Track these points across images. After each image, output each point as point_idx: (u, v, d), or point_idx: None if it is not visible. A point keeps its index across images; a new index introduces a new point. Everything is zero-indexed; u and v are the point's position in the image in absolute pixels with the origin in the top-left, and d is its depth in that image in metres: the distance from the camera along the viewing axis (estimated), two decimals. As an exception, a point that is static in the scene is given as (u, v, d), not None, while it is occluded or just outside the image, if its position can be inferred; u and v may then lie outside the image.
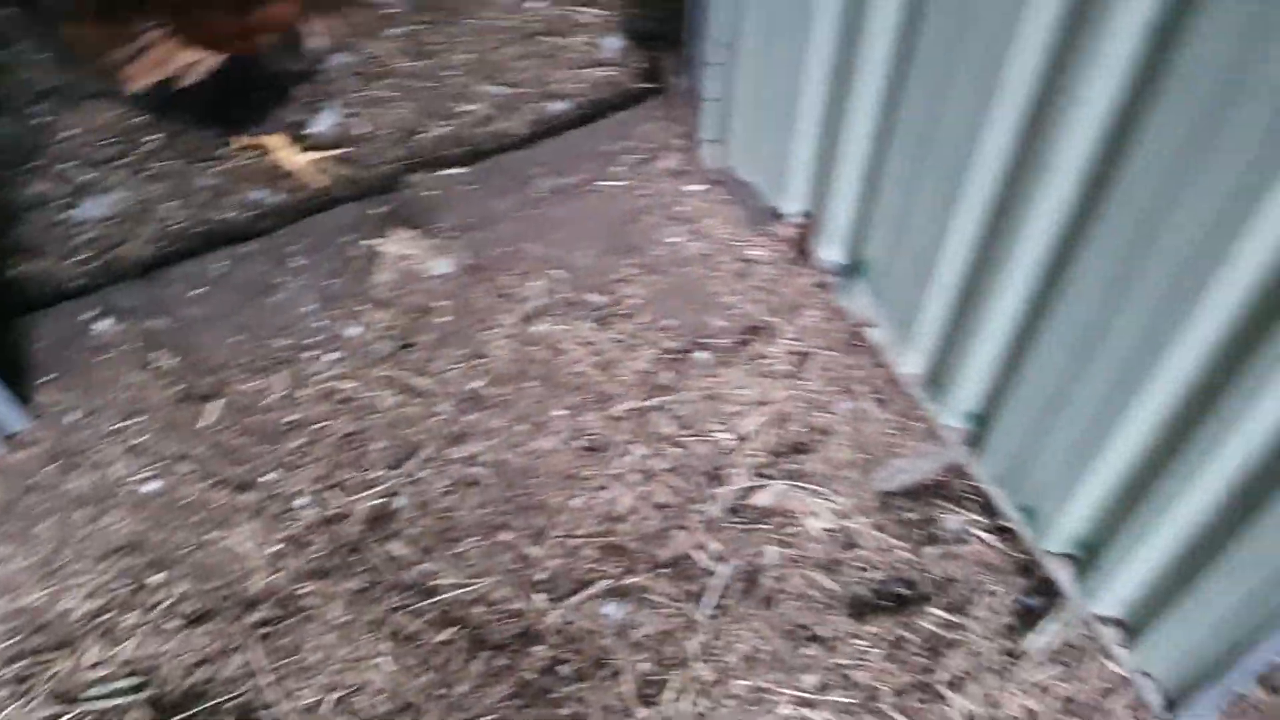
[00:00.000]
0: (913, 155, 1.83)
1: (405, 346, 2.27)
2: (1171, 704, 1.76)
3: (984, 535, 2.04)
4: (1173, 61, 1.27)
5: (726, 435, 2.16)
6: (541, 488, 2.08)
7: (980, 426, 1.99)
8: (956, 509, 2.08)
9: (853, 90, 1.93)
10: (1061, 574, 1.90)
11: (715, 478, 2.10)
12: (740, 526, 2.04)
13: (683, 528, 2.04)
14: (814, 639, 1.91)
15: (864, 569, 2.02)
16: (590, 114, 2.72)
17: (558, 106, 2.78)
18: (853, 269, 2.19)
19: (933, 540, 2.05)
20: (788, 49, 2.05)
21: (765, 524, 2.04)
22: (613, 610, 1.93)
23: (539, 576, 1.97)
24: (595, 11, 3.01)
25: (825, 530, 2.05)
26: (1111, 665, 1.87)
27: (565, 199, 2.51)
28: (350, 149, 2.69)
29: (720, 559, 2.00)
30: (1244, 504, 1.46)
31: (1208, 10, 1.20)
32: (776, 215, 2.38)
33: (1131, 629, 1.81)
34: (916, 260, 1.94)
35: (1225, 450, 1.42)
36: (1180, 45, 1.26)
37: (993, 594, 1.98)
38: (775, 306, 2.33)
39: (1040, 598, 1.97)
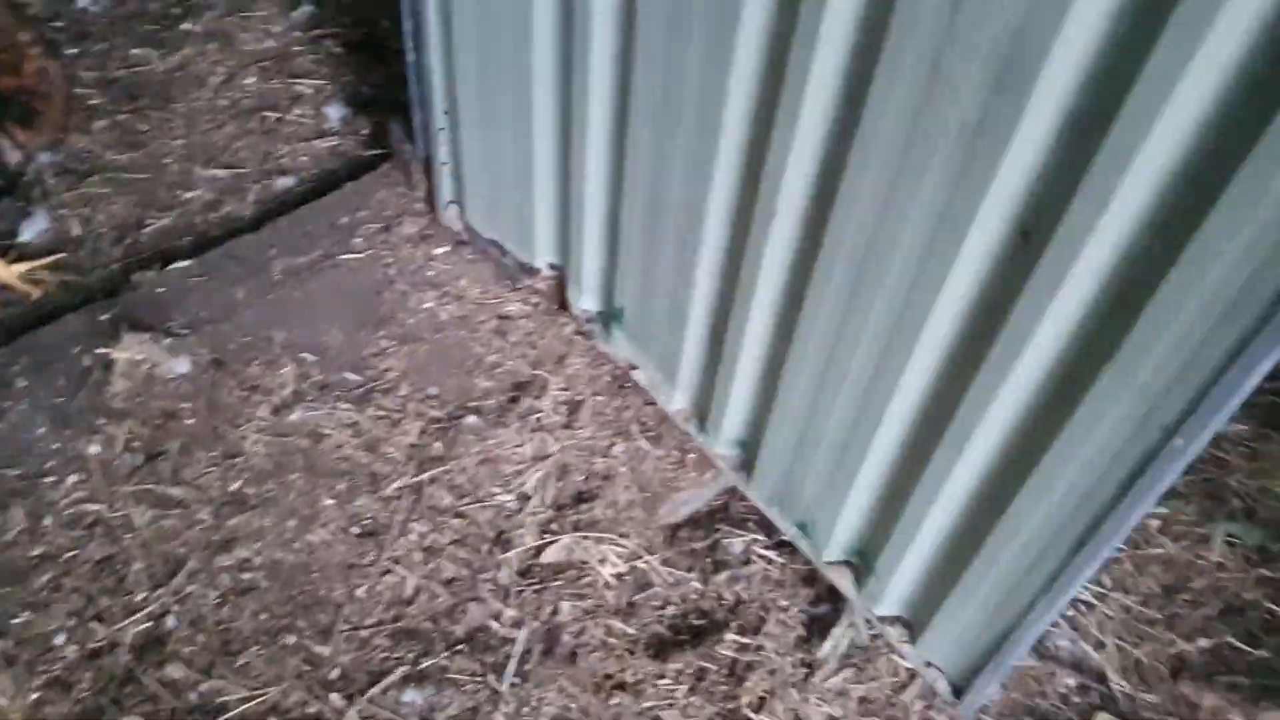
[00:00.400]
0: (647, 206, 1.88)
1: (153, 457, 2.13)
2: (958, 688, 1.87)
3: (767, 554, 2.11)
4: (863, 110, 1.36)
5: (508, 497, 2.14)
6: (321, 582, 2.00)
7: (749, 452, 2.06)
8: (739, 532, 2.14)
9: (580, 147, 1.96)
10: (842, 582, 1.98)
11: (502, 542, 2.08)
12: (533, 587, 2.02)
13: (475, 599, 2.00)
14: (620, 687, 1.92)
15: (659, 607, 2.04)
16: (321, 187, 2.63)
17: (285, 183, 2.68)
18: (609, 315, 2.22)
19: (720, 566, 2.10)
20: (510, 111, 2.06)
21: (558, 580, 2.04)
22: (413, 696, 1.87)
23: (332, 675, 1.89)
24: (311, 82, 2.92)
25: (617, 575, 2.06)
26: (900, 661, 1.97)
27: (306, 278, 2.42)
28: (66, 254, 2.50)
29: (517, 624, 1.98)
30: (988, 500, 1.57)
31: (891, 57, 1.29)
32: (528, 269, 2.38)
33: (912, 625, 1.91)
34: (666, 303, 1.99)
35: (965, 455, 1.52)
36: (868, 96, 1.34)
37: (783, 609, 2.05)
38: (539, 359, 2.33)
39: (827, 605, 2.05)
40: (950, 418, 1.50)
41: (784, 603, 2.06)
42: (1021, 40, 1.12)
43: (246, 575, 2.00)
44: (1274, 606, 2.17)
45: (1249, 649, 2.11)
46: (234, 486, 2.10)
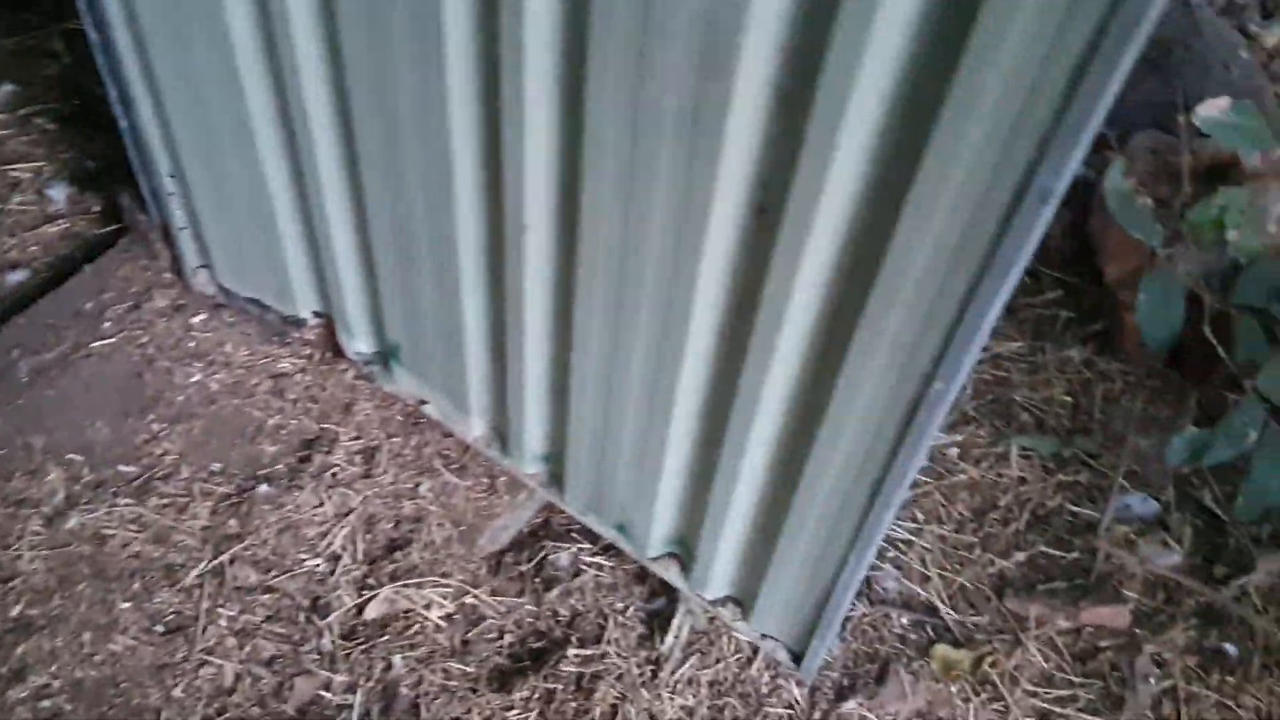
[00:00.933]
0: (396, 240, 1.82)
1: (-84, 601, 1.95)
2: (796, 653, 1.89)
3: (595, 560, 2.10)
4: (584, 112, 1.34)
5: (317, 561, 2.04)
6: (132, 691, 1.87)
7: (556, 465, 2.03)
8: (563, 545, 2.11)
9: (315, 192, 1.88)
10: (669, 574, 1.98)
11: (319, 609, 1.98)
12: (361, 648, 1.94)
13: (301, 673, 1.91)
14: (469, 729, 1.87)
15: (495, 638, 2.00)
16: (58, 275, 2.42)
17: (17, 278, 2.45)
18: (386, 354, 2.15)
19: (551, 583, 2.07)
20: (238, 165, 1.96)
21: (385, 635, 1.96)
22: (253, 791, 1.78)
23: (161, 788, 1.78)
24: (27, 165, 2.68)
25: (446, 616, 2.01)
26: (740, 638, 1.98)
27: (57, 375, 2.24)
28: None
29: (350, 689, 1.90)
30: (783, 469, 1.59)
31: (598, 55, 1.27)
32: (293, 322, 2.28)
33: (743, 601, 1.92)
34: (439, 332, 1.93)
35: (754, 432, 1.53)
36: (585, 97, 1.32)
37: (620, 612, 2.04)
38: (324, 412, 2.23)
39: (663, 599, 2.04)
40: (732, 399, 1.51)
41: (620, 605, 2.05)
42: (715, 23, 1.12)
43: (46, 703, 1.84)
44: (1076, 509, 2.29)
45: (1061, 554, 2.22)
46: (15, 611, 1.93)
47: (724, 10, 1.10)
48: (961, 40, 0.98)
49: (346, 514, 2.10)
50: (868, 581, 2.15)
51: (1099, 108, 0.94)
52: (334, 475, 2.14)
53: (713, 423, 1.60)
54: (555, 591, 2.06)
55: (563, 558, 2.10)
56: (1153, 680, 2.05)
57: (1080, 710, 2.00)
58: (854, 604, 2.08)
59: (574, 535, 2.13)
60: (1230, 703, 2.04)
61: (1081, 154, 0.98)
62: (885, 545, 2.20)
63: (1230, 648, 2.11)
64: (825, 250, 1.24)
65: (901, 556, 2.19)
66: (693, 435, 1.67)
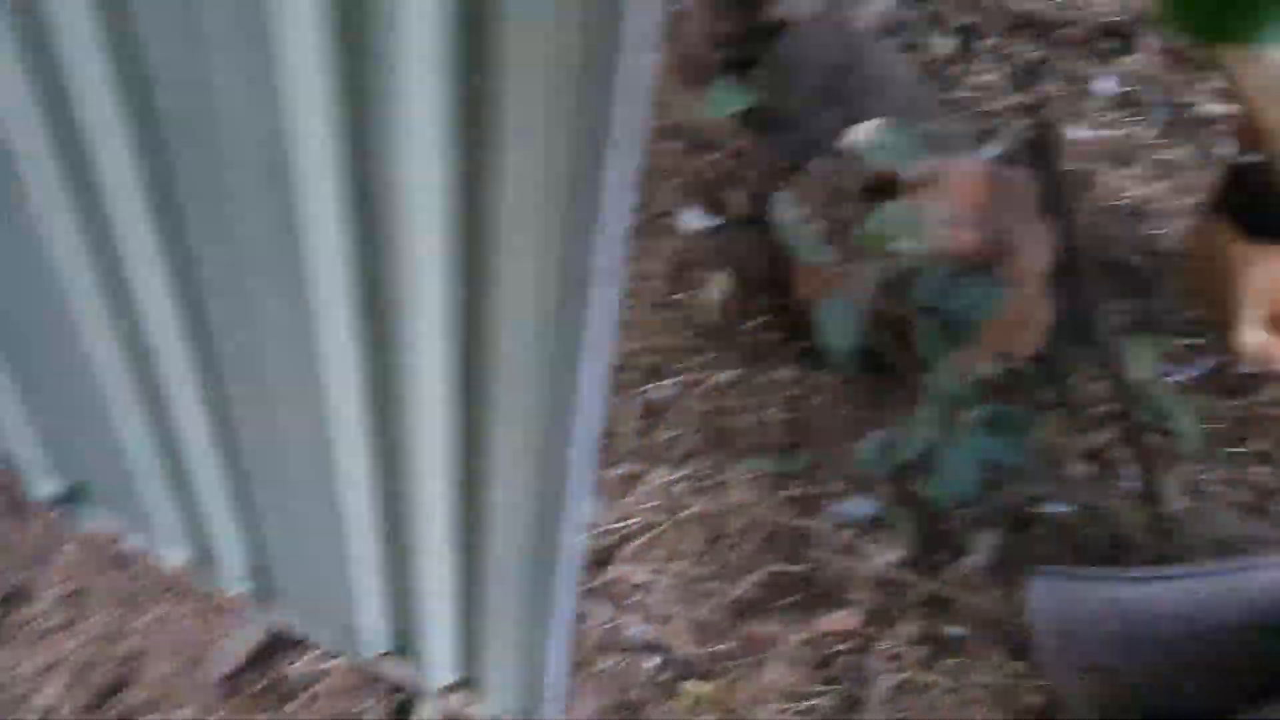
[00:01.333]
0: (51, 377, 1.75)
1: None
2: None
3: (331, 665, 2.04)
4: (189, 246, 1.32)
5: (27, 721, 1.93)
6: None
7: (265, 579, 1.98)
8: (296, 655, 2.05)
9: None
10: (399, 671, 1.95)
11: (34, 774, 1.87)
12: (82, 807, 1.84)
13: None
14: None
15: (236, 765, 1.93)
16: None
17: None
18: (76, 493, 2.05)
19: (288, 697, 2.00)
20: None
21: (110, 787, 1.87)
22: None
23: None
24: None
25: (180, 753, 1.92)
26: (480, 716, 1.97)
27: None
28: None
29: None
30: (467, 556, 1.61)
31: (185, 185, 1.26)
32: (-32, 476, 2.15)
33: (471, 682, 1.91)
34: (117, 464, 1.86)
35: (427, 522, 1.55)
36: (187, 234, 1.31)
37: (363, 713, 1.99)
38: (20, 562, 2.11)
39: (404, 692, 2.01)
40: (396, 491, 1.52)
41: (365, 703, 2.00)
42: (271, 145, 1.13)
43: None
44: (800, 521, 2.38)
45: (792, 567, 2.30)
46: None
47: (271, 130, 1.11)
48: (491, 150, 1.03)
49: (56, 665, 1.99)
50: (611, 631, 2.18)
51: (616, 204, 0.99)
52: (37, 626, 2.02)
53: (387, 517, 1.60)
54: (295, 704, 1.99)
55: (297, 668, 2.04)
56: (885, 676, 2.14)
57: (822, 719, 2.08)
58: (601, 656, 2.10)
59: (306, 644, 2.07)
60: (960, 684, 2.15)
61: (619, 234, 1.04)
62: (625, 590, 2.24)
63: (955, 630, 2.23)
64: (437, 344, 1.27)
65: (644, 599, 2.22)
66: (374, 533, 1.66)
